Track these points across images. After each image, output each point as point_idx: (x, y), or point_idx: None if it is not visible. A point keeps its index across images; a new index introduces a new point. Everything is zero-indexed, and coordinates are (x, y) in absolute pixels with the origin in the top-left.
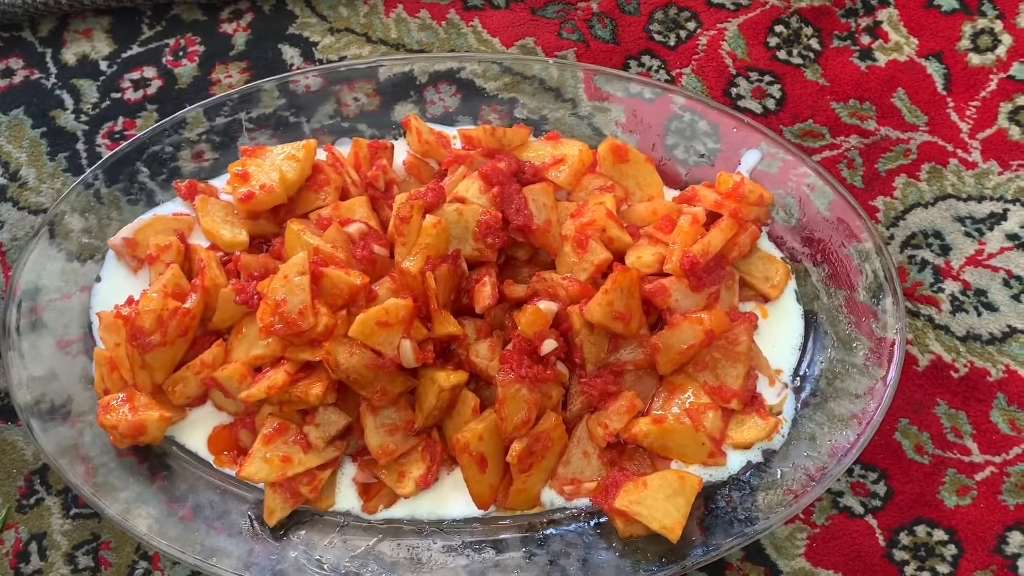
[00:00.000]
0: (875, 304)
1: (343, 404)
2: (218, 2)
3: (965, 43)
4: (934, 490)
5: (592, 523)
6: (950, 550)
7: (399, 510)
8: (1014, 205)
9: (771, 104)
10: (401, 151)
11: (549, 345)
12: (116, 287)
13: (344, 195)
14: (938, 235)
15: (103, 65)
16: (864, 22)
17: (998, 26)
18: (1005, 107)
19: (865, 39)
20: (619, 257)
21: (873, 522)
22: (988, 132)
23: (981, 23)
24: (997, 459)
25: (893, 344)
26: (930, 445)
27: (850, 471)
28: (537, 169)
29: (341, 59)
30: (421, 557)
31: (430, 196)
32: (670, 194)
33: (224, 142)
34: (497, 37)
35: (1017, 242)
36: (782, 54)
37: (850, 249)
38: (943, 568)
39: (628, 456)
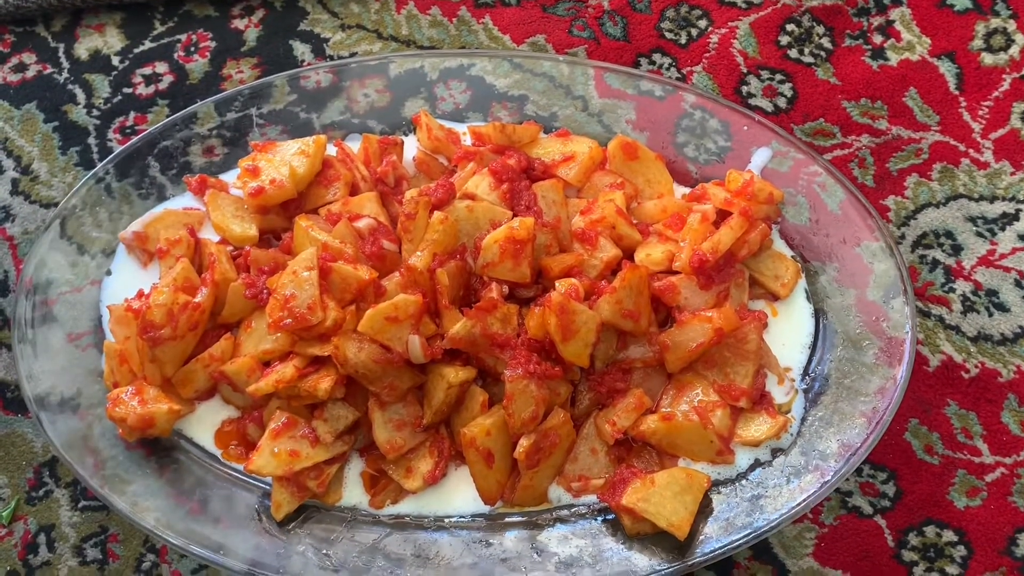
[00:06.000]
0: (885, 303)
1: (351, 399)
2: None
3: (978, 43)
4: (944, 491)
5: (599, 520)
6: (959, 551)
7: (406, 505)
8: None
9: (782, 103)
10: (411, 147)
11: None
12: (126, 281)
13: (354, 191)
14: (949, 235)
15: (115, 60)
16: (876, 21)
17: (1011, 26)
18: (1018, 107)
19: (877, 38)
20: (628, 254)
21: (882, 522)
22: (1000, 132)
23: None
24: (1008, 460)
25: (903, 344)
26: (940, 445)
27: (859, 471)
28: (547, 166)
29: (352, 55)
30: (428, 553)
31: (440, 192)
32: (680, 192)
33: (235, 137)
34: (508, 34)
35: None
36: (793, 53)
37: (861, 248)
38: (952, 569)
39: (636, 453)
